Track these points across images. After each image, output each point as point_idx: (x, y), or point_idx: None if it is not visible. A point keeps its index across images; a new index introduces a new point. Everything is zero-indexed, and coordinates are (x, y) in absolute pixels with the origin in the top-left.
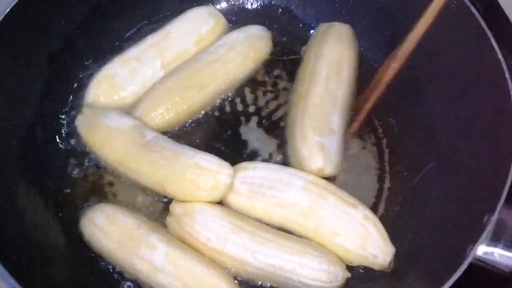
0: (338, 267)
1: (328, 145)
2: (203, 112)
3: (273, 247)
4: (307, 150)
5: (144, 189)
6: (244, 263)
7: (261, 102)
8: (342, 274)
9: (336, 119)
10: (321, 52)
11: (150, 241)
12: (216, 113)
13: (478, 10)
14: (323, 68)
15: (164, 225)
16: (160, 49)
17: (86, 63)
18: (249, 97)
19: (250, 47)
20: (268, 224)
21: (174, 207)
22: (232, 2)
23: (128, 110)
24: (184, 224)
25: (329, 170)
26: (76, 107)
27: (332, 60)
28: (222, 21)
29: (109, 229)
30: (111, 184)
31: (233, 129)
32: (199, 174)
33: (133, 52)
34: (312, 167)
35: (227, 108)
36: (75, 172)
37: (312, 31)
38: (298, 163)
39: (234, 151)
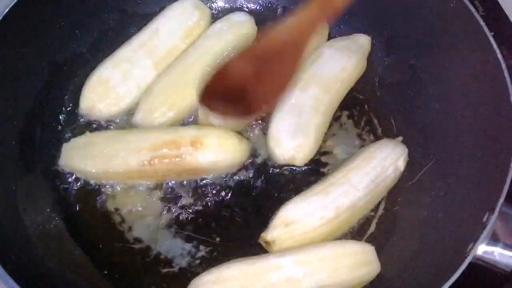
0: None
1: None
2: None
3: (360, 172)
4: None
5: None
6: (355, 202)
7: None
8: (398, 141)
9: None
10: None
11: (272, 264)
12: None
13: (477, 10)
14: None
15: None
16: (150, 48)
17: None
18: None
19: (237, 34)
20: None
21: (272, 235)
22: (232, 2)
23: (125, 113)
24: (293, 232)
25: None
26: (76, 107)
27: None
28: (207, 12)
29: None
30: (111, 186)
31: None
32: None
33: (123, 54)
34: None
35: None
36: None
37: None
38: None
39: None
